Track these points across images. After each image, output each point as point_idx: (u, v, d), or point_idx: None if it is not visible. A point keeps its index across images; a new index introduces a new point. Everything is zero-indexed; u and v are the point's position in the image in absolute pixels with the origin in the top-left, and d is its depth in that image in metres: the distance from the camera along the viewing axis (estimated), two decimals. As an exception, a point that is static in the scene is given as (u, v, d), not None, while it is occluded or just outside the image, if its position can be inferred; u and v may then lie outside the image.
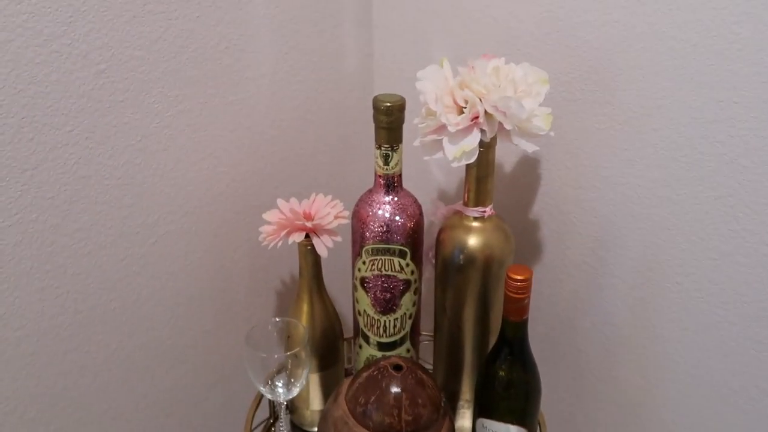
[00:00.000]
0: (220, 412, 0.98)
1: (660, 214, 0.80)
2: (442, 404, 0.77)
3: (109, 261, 0.78)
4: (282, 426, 0.87)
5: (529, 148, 0.74)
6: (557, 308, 0.94)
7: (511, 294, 0.73)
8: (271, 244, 0.82)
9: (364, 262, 0.85)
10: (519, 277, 0.72)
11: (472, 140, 0.73)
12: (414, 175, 0.87)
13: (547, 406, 0.87)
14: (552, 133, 0.75)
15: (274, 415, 0.94)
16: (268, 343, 0.83)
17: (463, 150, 0.73)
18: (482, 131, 0.73)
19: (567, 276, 0.91)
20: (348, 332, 0.95)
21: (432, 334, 0.93)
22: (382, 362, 0.77)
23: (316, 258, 0.84)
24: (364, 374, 0.77)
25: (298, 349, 0.79)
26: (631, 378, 0.89)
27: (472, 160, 0.74)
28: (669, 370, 0.85)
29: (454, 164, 0.74)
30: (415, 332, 0.91)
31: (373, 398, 0.74)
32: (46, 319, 0.74)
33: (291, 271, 1.01)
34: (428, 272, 0.90)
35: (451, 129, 0.73)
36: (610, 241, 0.86)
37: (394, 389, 0.74)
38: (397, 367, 0.76)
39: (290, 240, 0.81)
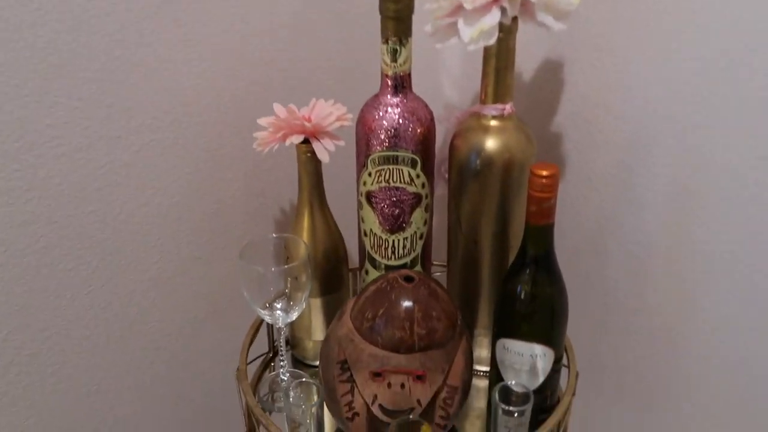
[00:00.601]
0: (214, 347, 0.90)
1: (699, 115, 0.71)
2: (459, 321, 0.69)
3: (87, 166, 0.71)
4: (282, 360, 0.79)
5: (556, 26, 0.65)
6: (582, 228, 0.86)
7: (535, 193, 0.65)
8: (267, 149, 0.74)
9: (369, 174, 0.77)
10: (544, 173, 0.64)
11: (492, 18, 0.64)
12: (422, 90, 0.78)
13: (570, 335, 0.78)
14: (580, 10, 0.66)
15: (273, 350, 0.86)
16: (264, 262, 0.75)
17: (480, 29, 0.64)
18: (502, 9, 0.65)
19: (592, 191, 0.83)
20: (353, 264, 0.87)
21: (445, 264, 0.85)
22: (390, 274, 0.69)
23: (316, 166, 0.76)
24: (371, 288, 0.69)
25: (298, 263, 0.71)
26: (665, 305, 0.81)
27: (492, 41, 0.65)
28: (709, 296, 0.76)
29: (471, 47, 0.66)
30: (426, 258, 0.83)
31: (381, 311, 0.66)
32: (15, 227, 0.67)
33: (291, 198, 0.93)
34: (441, 189, 0.82)
35: (467, 6, 0.64)
36: (641, 150, 0.77)
37: (405, 302, 0.66)
38: (408, 279, 0.68)
39: (288, 142, 0.73)
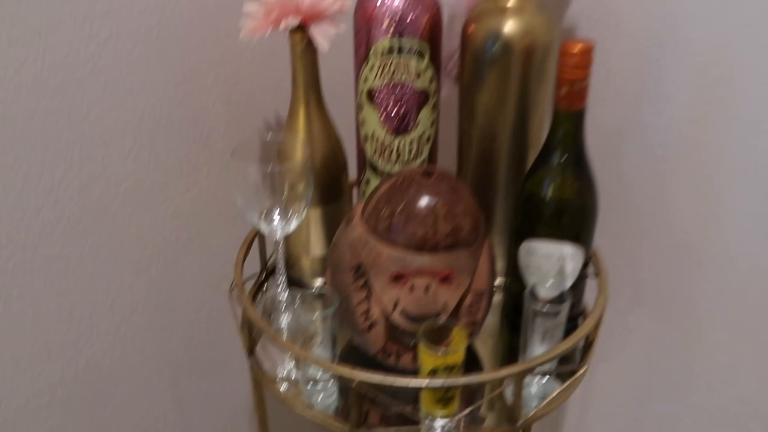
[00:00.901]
0: (199, 270, 0.81)
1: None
2: (481, 221, 0.62)
3: (44, 55, 0.60)
4: (282, 275, 0.70)
5: None
6: (600, 133, 0.79)
7: (566, 74, 0.58)
8: (257, 37, 0.65)
9: (371, 68, 0.69)
10: (577, 50, 0.57)
11: None
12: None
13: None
14: None
15: (266, 271, 0.78)
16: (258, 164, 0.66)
17: None
18: None
19: (611, 91, 0.77)
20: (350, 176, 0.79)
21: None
22: (406, 171, 0.62)
23: (313, 58, 0.68)
24: (384, 187, 0.61)
25: (297, 162, 0.63)
26: (688, 209, 0.75)
27: None
28: (735, 197, 0.70)
29: None
30: (433, 163, 0.76)
31: (400, 209, 0.58)
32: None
33: (278, 109, 0.83)
34: (447, 89, 0.75)
35: None
36: (666, 37, 0.71)
37: (427, 197, 0.58)
38: (427, 174, 0.60)
39: (282, 26, 0.64)
